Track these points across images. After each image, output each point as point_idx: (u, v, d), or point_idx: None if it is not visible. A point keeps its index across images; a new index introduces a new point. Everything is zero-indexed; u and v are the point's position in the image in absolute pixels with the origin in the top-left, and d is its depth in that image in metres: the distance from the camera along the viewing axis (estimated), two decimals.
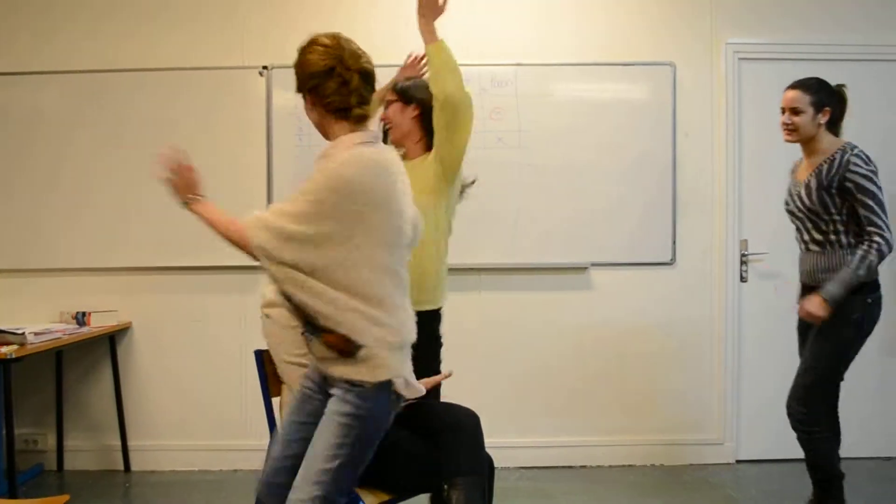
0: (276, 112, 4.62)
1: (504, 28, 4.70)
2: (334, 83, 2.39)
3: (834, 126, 3.46)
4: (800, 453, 4.57)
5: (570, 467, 4.74)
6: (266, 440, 2.79)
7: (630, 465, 4.72)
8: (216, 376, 4.68)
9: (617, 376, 4.73)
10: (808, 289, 3.49)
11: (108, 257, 4.64)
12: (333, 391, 2.29)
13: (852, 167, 3.27)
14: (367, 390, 2.22)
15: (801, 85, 3.45)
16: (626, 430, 4.77)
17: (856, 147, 3.35)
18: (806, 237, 3.50)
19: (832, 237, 3.38)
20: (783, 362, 4.75)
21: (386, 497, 2.72)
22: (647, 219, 4.71)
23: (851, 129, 4.72)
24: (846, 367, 3.48)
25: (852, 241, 3.34)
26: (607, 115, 4.67)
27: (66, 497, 2.53)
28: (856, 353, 3.43)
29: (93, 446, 4.72)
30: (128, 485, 4.48)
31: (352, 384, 2.23)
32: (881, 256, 3.25)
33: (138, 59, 4.67)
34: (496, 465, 2.92)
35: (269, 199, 4.59)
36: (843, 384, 4.77)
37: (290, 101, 4.53)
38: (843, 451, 4.75)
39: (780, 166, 4.76)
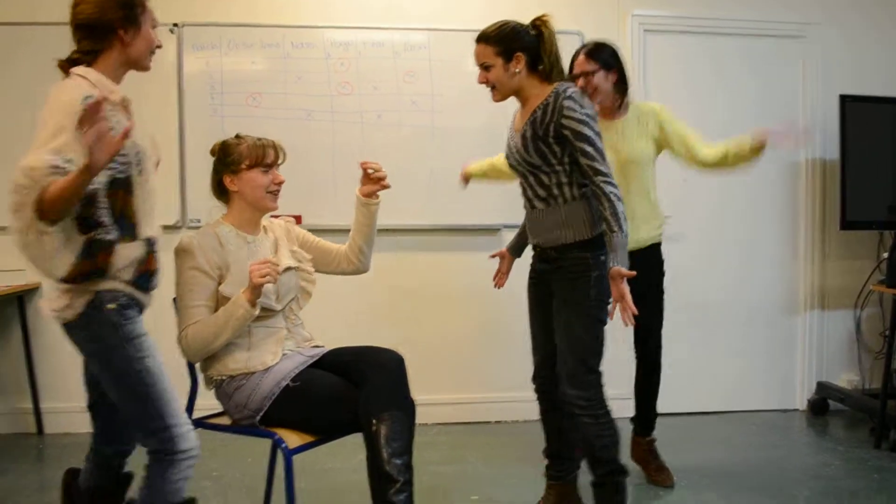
0: (189, 72, 4.55)
1: None
2: None
3: (537, 68, 2.95)
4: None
5: (486, 423, 4.89)
6: (185, 399, 2.85)
7: None
8: None
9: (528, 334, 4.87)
10: (540, 251, 3.12)
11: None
12: None
13: (566, 111, 2.79)
14: None
15: (483, 37, 3.01)
16: None
17: (569, 87, 2.86)
18: (530, 193, 3.03)
19: (555, 191, 2.92)
20: (685, 317, 4.99)
21: (310, 438, 2.76)
22: None
23: (752, 101, 5.00)
24: (603, 330, 2.95)
25: (576, 193, 2.90)
26: None
27: None
28: (607, 313, 2.88)
29: (4, 409, 4.66)
30: (41, 447, 4.45)
31: None
32: (621, 207, 2.78)
33: (25, 12, 4.51)
34: None
35: (182, 160, 4.55)
36: (741, 341, 5.10)
37: (201, 59, 4.51)
38: (747, 405, 5.07)
39: None
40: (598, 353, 2.94)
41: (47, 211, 2.07)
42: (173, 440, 2.36)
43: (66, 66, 2.29)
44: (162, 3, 4.60)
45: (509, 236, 4.76)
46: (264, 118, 4.47)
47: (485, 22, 4.70)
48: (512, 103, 3.22)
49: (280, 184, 2.96)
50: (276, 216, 3.18)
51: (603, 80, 3.57)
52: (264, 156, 2.89)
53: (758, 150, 3.42)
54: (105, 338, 2.36)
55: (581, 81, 3.52)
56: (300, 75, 4.54)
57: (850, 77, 5.06)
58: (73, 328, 2.36)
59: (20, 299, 4.58)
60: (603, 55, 3.59)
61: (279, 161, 2.97)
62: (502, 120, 4.69)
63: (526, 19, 3.13)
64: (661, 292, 3.80)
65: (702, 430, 4.73)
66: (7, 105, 4.51)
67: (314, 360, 2.92)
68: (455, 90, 4.69)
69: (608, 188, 2.78)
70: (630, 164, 3.61)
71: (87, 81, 2.24)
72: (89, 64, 2.28)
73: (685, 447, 4.37)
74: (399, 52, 4.58)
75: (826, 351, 5.22)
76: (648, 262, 3.70)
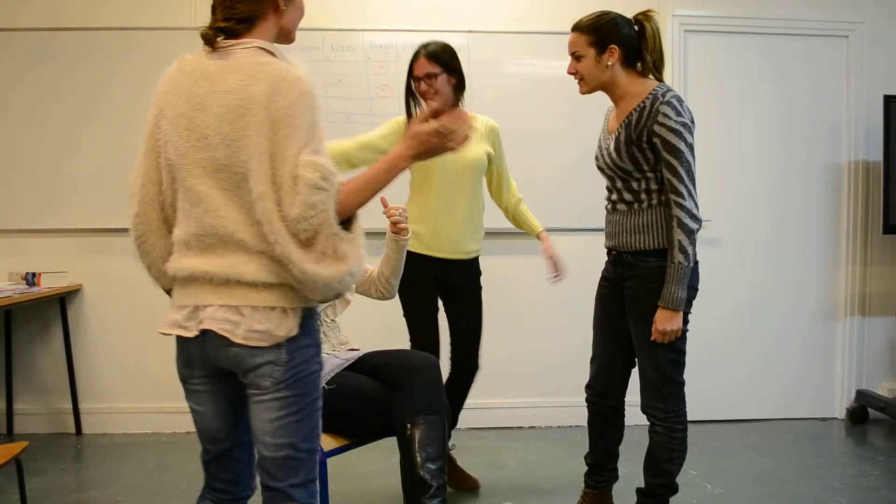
0: None
1: None
2: None
3: (634, 63, 2.85)
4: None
5: (519, 428, 4.86)
6: None
7: (578, 426, 4.85)
8: (168, 339, 4.65)
9: (566, 340, 4.82)
10: (614, 255, 2.98)
11: (59, 218, 4.63)
12: None
13: (661, 118, 2.68)
14: None
15: (578, 26, 2.86)
16: (574, 391, 4.88)
17: (669, 91, 2.74)
18: (615, 196, 2.93)
19: (642, 196, 2.81)
20: (722, 323, 4.94)
21: (345, 441, 2.79)
22: (599, 186, 4.79)
23: (795, 100, 4.93)
24: (685, 340, 2.84)
25: (662, 199, 2.77)
26: (557, 83, 4.68)
27: (24, 444, 2.55)
28: (686, 321, 2.81)
29: (43, 409, 4.72)
30: (79, 447, 4.49)
31: None
32: (689, 231, 2.68)
33: (83, 17, 4.62)
34: None
35: None
36: (779, 347, 5.03)
37: None
38: (784, 413, 5.00)
39: (723, 136, 4.93)
40: (678, 363, 2.84)
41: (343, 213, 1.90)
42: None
43: (215, 35, 1.95)
44: (205, 9, 4.68)
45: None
46: None
47: (523, 23, 4.76)
48: (562, 106, 3.20)
49: None
50: None
51: (445, 83, 3.49)
52: None
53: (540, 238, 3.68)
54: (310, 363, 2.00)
55: (423, 85, 3.44)
56: (340, 78, 4.55)
57: (895, 77, 4.98)
58: (276, 350, 1.92)
59: (62, 301, 4.63)
60: (444, 57, 3.50)
61: None
62: (540, 122, 4.71)
63: (566, 18, 3.11)
64: (481, 305, 3.69)
65: (738, 437, 4.67)
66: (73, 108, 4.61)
67: (349, 363, 2.93)
68: (494, 92, 4.66)
69: (678, 211, 2.68)
70: (468, 169, 3.51)
71: (274, 57, 1.93)
72: (243, 34, 1.96)
73: (722, 455, 4.33)
74: None
75: (866, 358, 5.13)
76: (473, 274, 3.66)
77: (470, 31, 4.66)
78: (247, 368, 1.92)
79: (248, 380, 1.94)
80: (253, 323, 1.87)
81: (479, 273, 3.68)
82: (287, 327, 1.89)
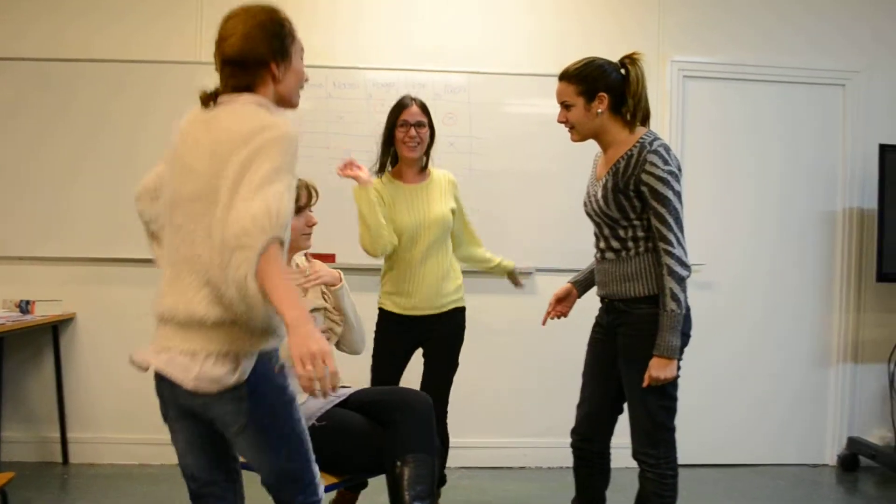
0: None
1: (458, 37, 4.81)
2: None
3: (621, 109, 2.81)
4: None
5: (509, 468, 4.83)
6: None
7: (569, 467, 4.80)
8: None
9: (558, 381, 4.78)
10: (606, 303, 2.98)
11: (54, 247, 4.62)
12: None
13: (648, 167, 2.66)
14: None
15: (565, 75, 2.87)
16: (565, 433, 4.85)
17: (655, 140, 2.73)
18: (602, 244, 2.91)
19: (629, 243, 2.79)
20: (715, 367, 4.93)
21: (334, 479, 2.77)
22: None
23: (792, 148, 4.97)
24: (676, 386, 2.81)
25: (650, 245, 2.76)
26: (557, 125, 4.76)
27: (10, 474, 2.53)
28: (678, 367, 2.75)
29: (31, 438, 4.67)
30: (66, 477, 4.45)
31: None
32: (679, 279, 2.66)
33: (116, 50, 4.66)
34: None
35: None
36: (771, 392, 5.02)
37: None
38: (775, 459, 4.98)
39: (722, 178, 4.97)
40: (668, 409, 2.81)
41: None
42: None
43: (208, 98, 2.05)
44: (202, 43, 4.74)
45: (542, 279, 4.78)
46: (305, 157, 4.33)
47: (525, 66, 4.79)
48: (562, 147, 3.20)
49: (312, 226, 2.97)
50: (316, 255, 3.19)
51: (426, 137, 3.51)
52: (297, 197, 2.86)
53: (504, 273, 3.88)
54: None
55: (413, 131, 3.44)
56: (341, 115, 4.58)
57: (891, 126, 5.03)
58: (233, 396, 1.98)
59: (55, 329, 4.62)
60: (428, 111, 3.52)
61: (312, 202, 2.98)
62: (540, 162, 4.74)
63: (567, 60, 3.12)
64: (456, 364, 3.68)
65: (729, 482, 4.65)
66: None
67: (340, 399, 2.91)
68: (493, 132, 4.70)
69: (668, 259, 2.67)
70: (434, 228, 3.50)
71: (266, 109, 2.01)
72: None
73: (712, 500, 4.32)
74: (439, 94, 4.61)
75: (858, 405, 5.12)
76: (453, 329, 3.66)
77: (472, 72, 4.70)
78: (209, 418, 2.03)
79: (216, 426, 2.05)
80: (206, 368, 1.93)
81: (461, 328, 3.67)
82: (238, 374, 1.94)
